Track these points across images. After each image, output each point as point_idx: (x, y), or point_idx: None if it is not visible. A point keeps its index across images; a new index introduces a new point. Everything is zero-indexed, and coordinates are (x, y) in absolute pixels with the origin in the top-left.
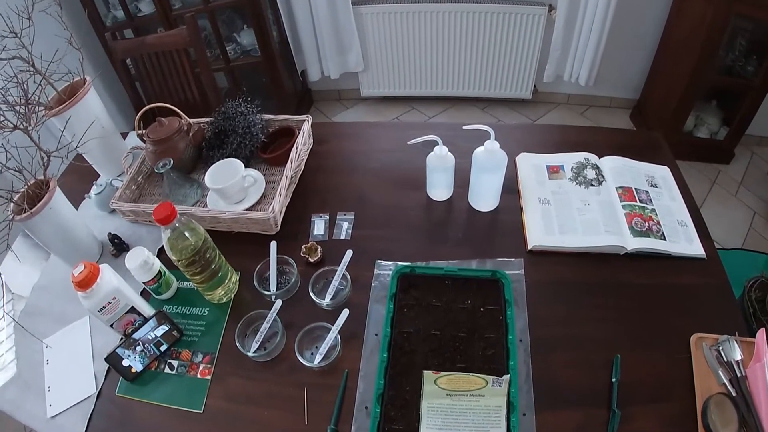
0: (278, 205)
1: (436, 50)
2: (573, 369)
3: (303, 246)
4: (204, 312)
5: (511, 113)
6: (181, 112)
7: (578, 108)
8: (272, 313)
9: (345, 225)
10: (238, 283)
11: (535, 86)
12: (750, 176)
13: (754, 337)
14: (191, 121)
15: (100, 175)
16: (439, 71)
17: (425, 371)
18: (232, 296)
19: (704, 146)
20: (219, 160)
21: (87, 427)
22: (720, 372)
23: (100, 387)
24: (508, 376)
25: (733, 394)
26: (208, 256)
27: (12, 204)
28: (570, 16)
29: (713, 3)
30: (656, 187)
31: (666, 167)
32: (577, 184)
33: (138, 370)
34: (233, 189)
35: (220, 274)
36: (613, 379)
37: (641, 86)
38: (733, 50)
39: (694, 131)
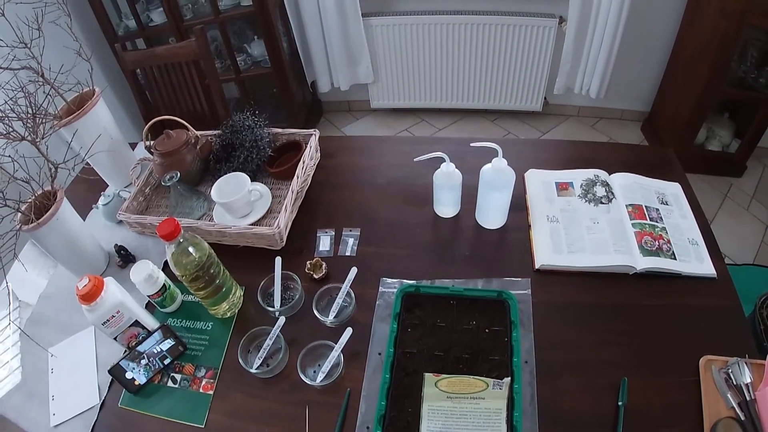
0: (284, 220)
1: (446, 62)
2: (579, 392)
3: (308, 262)
4: (208, 326)
5: (521, 125)
6: (188, 125)
7: (589, 120)
8: (275, 330)
9: (350, 241)
10: (242, 298)
11: (545, 98)
12: (762, 190)
13: (765, 358)
14: (199, 133)
15: (108, 186)
16: (449, 83)
17: (426, 374)
18: (236, 311)
19: (716, 159)
20: (226, 173)
21: None
22: (729, 395)
23: (103, 398)
24: (509, 378)
25: (742, 418)
26: (212, 271)
27: (19, 214)
28: (581, 28)
29: (726, 13)
30: (667, 204)
31: (677, 184)
32: (586, 201)
33: (141, 383)
34: (239, 203)
35: (224, 289)
36: (620, 403)
37: (652, 98)
38: (745, 62)
39: (706, 144)
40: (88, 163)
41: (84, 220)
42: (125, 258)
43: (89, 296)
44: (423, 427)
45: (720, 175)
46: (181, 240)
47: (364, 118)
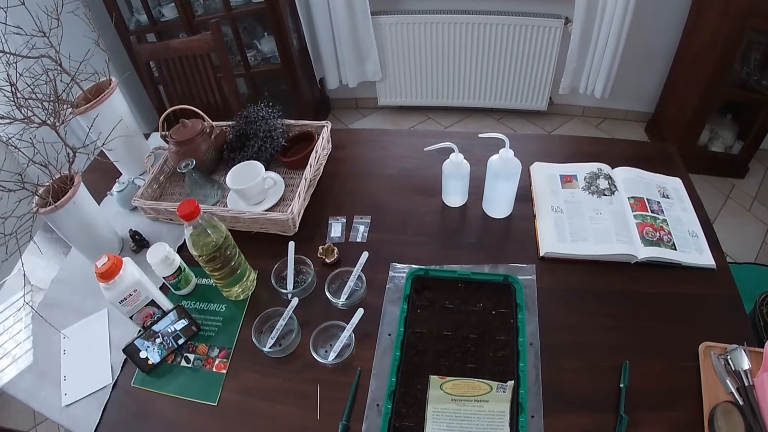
0: (297, 206)
1: (453, 61)
2: (582, 374)
3: (320, 247)
4: (221, 308)
5: (526, 124)
6: (204, 115)
7: (593, 120)
8: (288, 311)
9: (361, 228)
10: (255, 281)
11: (550, 98)
12: (764, 191)
13: (763, 347)
14: (213, 123)
15: (122, 174)
16: (456, 82)
17: (431, 376)
18: (250, 294)
19: (718, 160)
20: (240, 162)
21: (101, 417)
22: (728, 381)
23: (116, 378)
24: (512, 382)
25: (741, 402)
26: (228, 253)
27: (36, 197)
28: (586, 29)
29: (728, 17)
30: (668, 198)
31: (678, 179)
32: (589, 193)
33: (155, 362)
34: (254, 190)
35: (238, 272)
36: (622, 385)
37: (656, 99)
38: (747, 64)
39: (709, 145)
40: (102, 152)
41: (99, 206)
42: (139, 243)
43: (108, 274)
44: (428, 429)
45: (722, 176)
46: (200, 221)
47: (371, 115)
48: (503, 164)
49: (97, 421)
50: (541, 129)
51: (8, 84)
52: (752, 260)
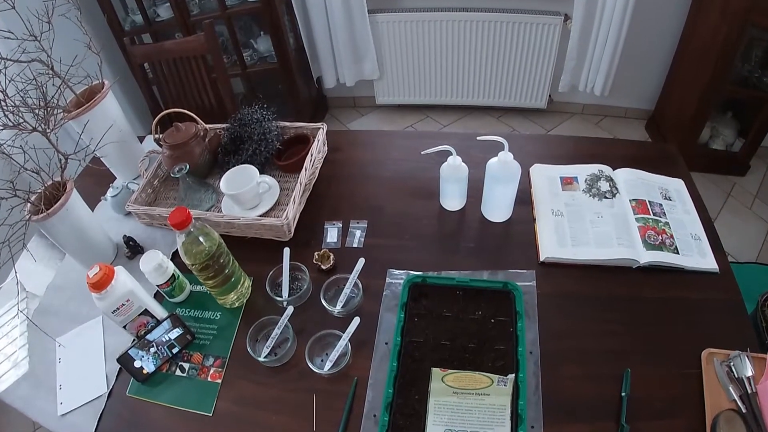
0: (292, 211)
1: (452, 59)
2: (582, 382)
3: (316, 253)
4: (216, 316)
5: (526, 122)
6: (197, 118)
7: (593, 118)
8: (284, 319)
9: (358, 233)
10: (250, 288)
11: (550, 96)
12: (765, 189)
13: (766, 353)
14: (207, 126)
15: (116, 178)
16: (454, 80)
17: (433, 368)
18: (245, 301)
19: (719, 158)
20: (234, 165)
21: (97, 426)
22: (730, 388)
23: (111, 387)
24: (513, 375)
25: (743, 410)
26: (221, 261)
27: (29, 204)
28: (585, 26)
29: (729, 13)
30: (670, 200)
31: (680, 180)
32: (590, 196)
33: (149, 371)
34: (248, 195)
35: (233, 279)
36: (623, 393)
37: (656, 97)
38: (749, 61)
39: (710, 143)
40: (96, 156)
41: (92, 212)
42: (133, 249)
43: (100, 284)
44: (429, 422)
45: (723, 174)
46: (192, 229)
47: (369, 114)
48: (502, 167)
49: (93, 430)
50: (541, 127)
51: None
52: (754, 259)
